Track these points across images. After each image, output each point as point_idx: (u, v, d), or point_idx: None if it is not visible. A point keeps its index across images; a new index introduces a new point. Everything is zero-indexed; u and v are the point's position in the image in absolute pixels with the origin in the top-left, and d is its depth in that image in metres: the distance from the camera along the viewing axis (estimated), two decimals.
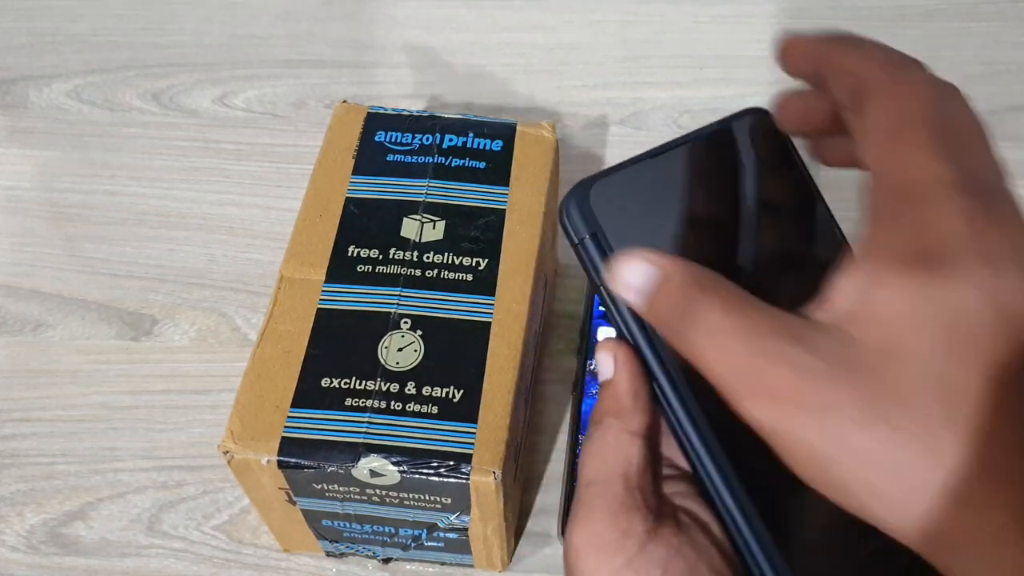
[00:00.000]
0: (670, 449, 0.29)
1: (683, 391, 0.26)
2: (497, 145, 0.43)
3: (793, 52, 0.27)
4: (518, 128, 0.44)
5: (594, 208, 0.27)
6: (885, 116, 0.23)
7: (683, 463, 0.28)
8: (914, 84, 0.23)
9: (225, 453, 0.35)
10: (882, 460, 0.21)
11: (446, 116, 0.45)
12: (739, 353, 0.22)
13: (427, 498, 0.37)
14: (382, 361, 0.37)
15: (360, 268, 0.40)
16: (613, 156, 0.58)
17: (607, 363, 0.27)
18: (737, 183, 0.28)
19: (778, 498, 0.26)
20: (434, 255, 0.40)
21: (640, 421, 0.27)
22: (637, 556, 0.26)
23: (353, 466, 0.35)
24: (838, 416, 0.21)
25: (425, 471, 0.35)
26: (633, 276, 0.25)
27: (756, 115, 0.29)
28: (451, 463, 0.35)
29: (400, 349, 0.38)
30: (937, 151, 0.22)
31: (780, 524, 0.26)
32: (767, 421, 0.22)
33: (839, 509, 0.23)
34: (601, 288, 0.27)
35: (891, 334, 0.21)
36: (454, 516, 0.38)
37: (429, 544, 0.41)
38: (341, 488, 0.37)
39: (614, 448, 0.27)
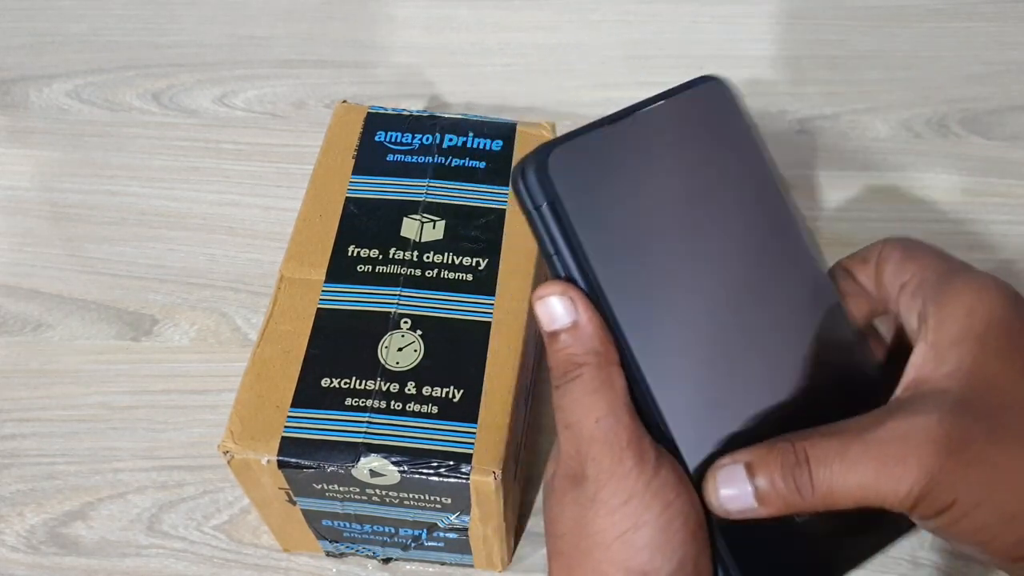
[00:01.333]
0: None
1: (631, 336, 0.26)
2: (497, 145, 0.43)
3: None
4: (518, 128, 0.44)
5: (552, 175, 0.26)
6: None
7: None
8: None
9: (225, 453, 0.35)
10: None
11: (446, 116, 0.45)
12: (863, 476, 0.25)
13: (427, 498, 0.37)
14: (382, 361, 0.37)
15: (360, 268, 0.40)
16: None
17: (566, 307, 0.27)
18: (693, 156, 0.28)
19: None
20: (434, 255, 0.40)
21: (616, 355, 0.27)
22: (654, 479, 0.26)
23: (353, 466, 0.35)
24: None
25: (425, 471, 0.35)
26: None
27: (712, 83, 0.29)
28: (451, 463, 0.35)
29: (400, 349, 0.38)
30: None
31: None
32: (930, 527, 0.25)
33: None
34: (553, 257, 0.26)
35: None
36: (454, 516, 0.38)
37: (429, 544, 0.41)
38: (341, 488, 0.37)
39: (608, 382, 0.27)
